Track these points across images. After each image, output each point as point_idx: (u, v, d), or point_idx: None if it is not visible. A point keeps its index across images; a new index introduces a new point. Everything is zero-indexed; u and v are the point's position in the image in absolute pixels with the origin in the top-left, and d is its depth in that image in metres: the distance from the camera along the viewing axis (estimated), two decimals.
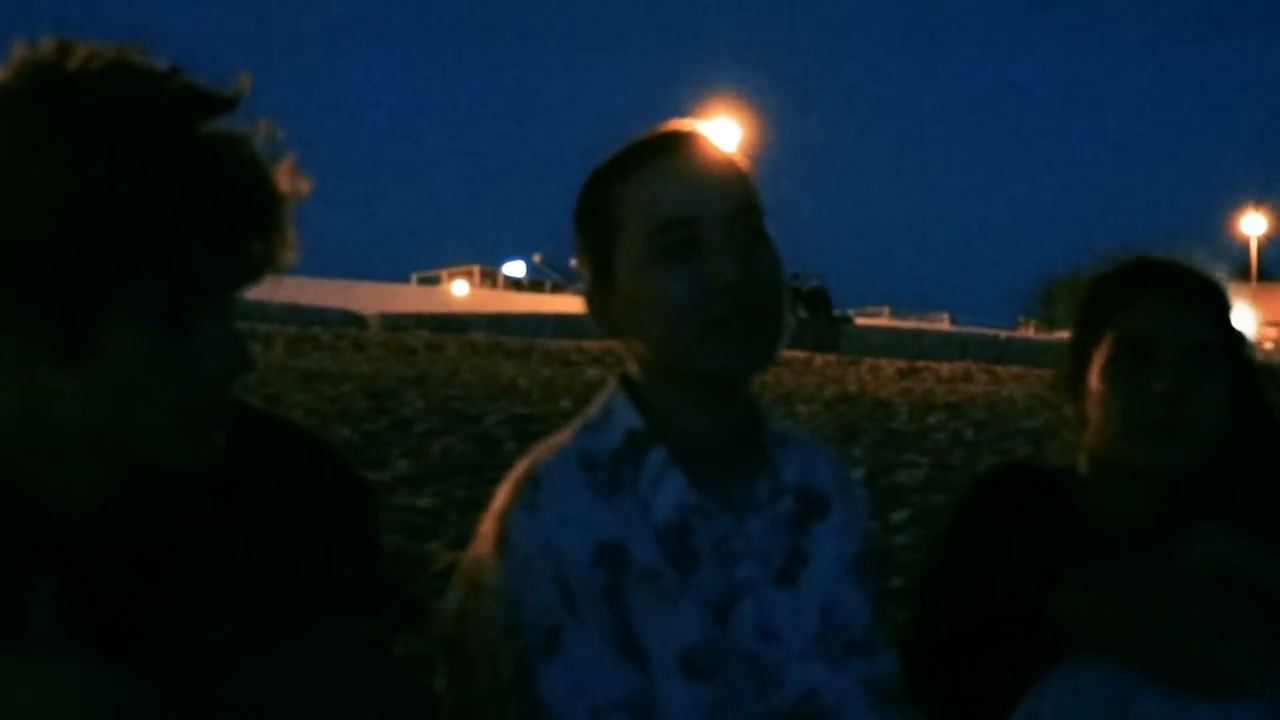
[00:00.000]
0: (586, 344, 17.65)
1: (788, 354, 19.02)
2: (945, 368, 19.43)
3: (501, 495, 1.39)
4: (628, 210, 1.38)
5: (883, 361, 20.10)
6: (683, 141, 1.40)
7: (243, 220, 1.04)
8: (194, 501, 1.12)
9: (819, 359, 19.32)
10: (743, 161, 1.42)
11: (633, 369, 1.45)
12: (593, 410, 1.44)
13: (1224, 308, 1.65)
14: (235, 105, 1.06)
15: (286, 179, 1.07)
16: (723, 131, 1.46)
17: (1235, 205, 58.66)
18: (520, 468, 1.40)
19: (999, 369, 18.50)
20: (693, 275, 1.35)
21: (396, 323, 21.47)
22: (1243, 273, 56.36)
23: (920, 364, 20.01)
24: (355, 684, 1.08)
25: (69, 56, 1.03)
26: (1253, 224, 55.57)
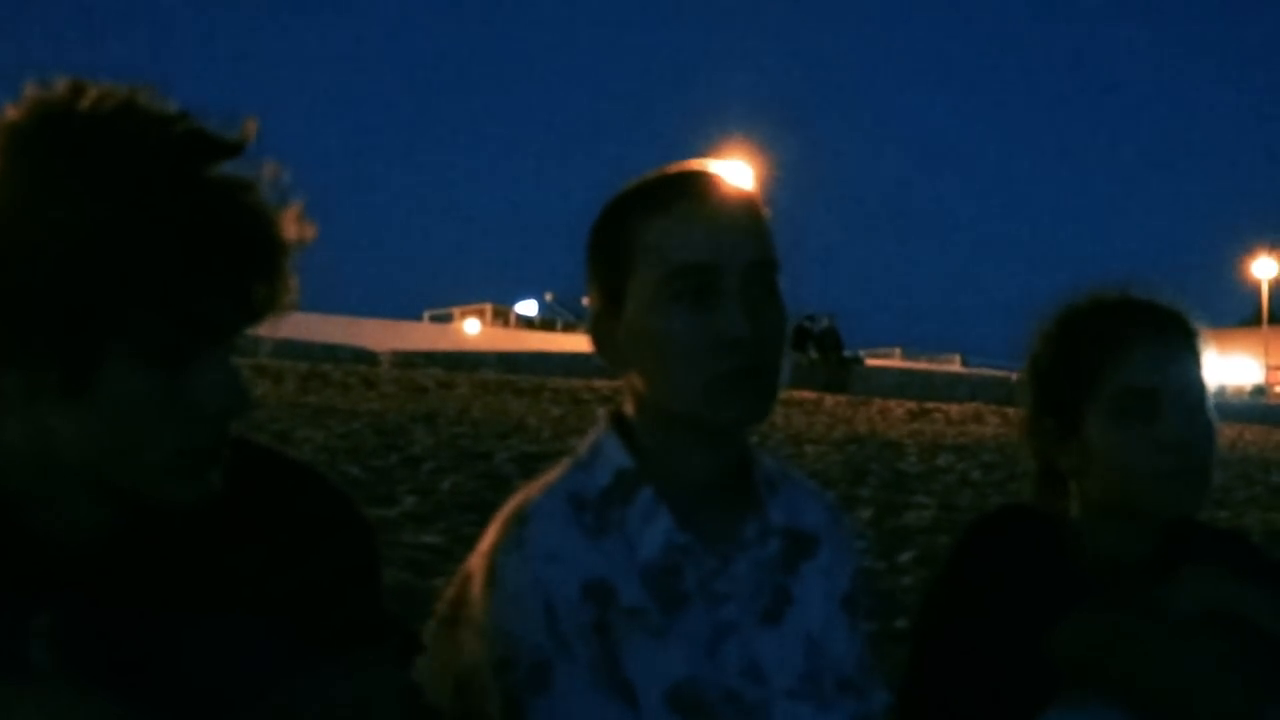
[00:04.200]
0: (597, 383, 17.67)
1: (798, 395, 19.07)
2: (955, 409, 19.41)
3: (490, 534, 1.39)
4: (647, 248, 1.37)
5: (892, 403, 20.10)
6: (710, 185, 1.39)
7: (245, 264, 1.05)
8: (195, 537, 1.12)
9: (829, 400, 19.32)
10: (765, 213, 1.42)
11: (628, 407, 1.45)
12: (582, 449, 1.45)
13: (1200, 344, 1.65)
14: (242, 150, 1.07)
15: (292, 225, 1.08)
16: (739, 174, 1.44)
17: (1247, 249, 58.66)
18: (509, 506, 1.40)
19: (1009, 410, 18.43)
20: (704, 323, 1.34)
21: (408, 360, 21.52)
22: (1254, 316, 56.26)
23: (930, 405, 19.99)
24: (358, 717, 1.07)
25: (79, 98, 1.04)
26: (1264, 268, 55.51)
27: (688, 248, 1.36)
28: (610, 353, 1.42)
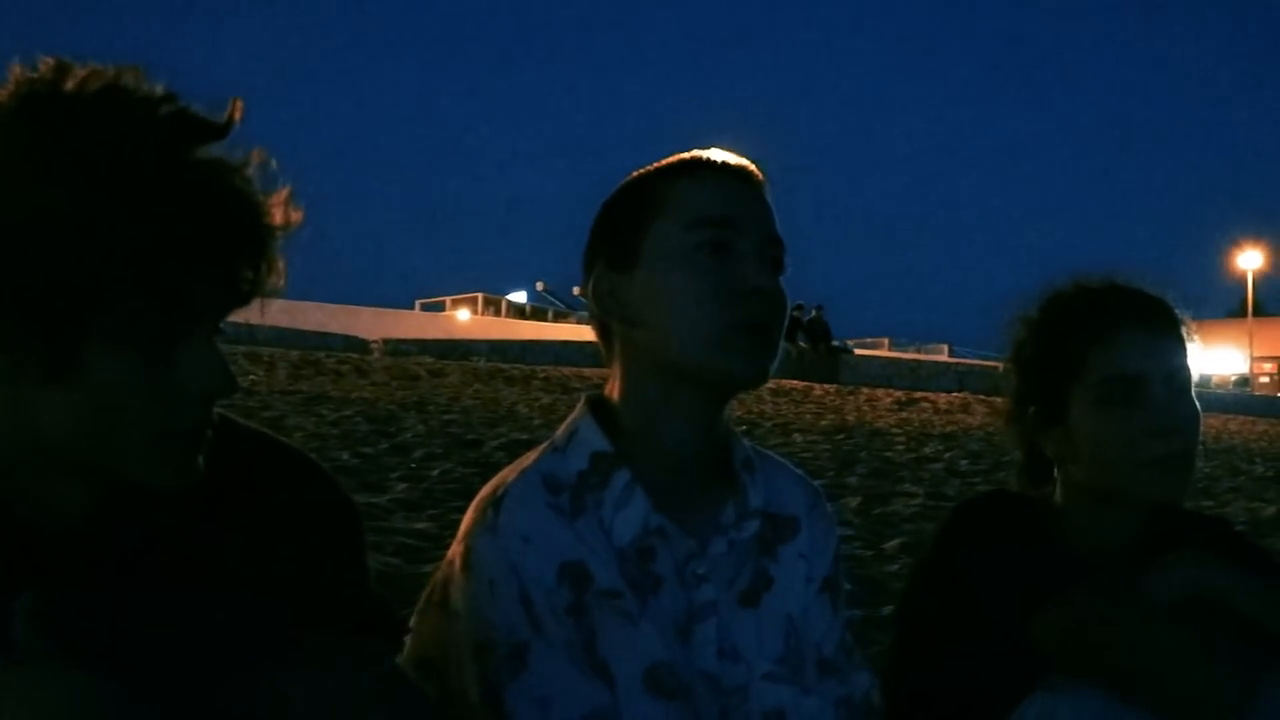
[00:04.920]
0: (586, 371, 17.68)
1: (786, 383, 19.06)
2: (943, 399, 19.43)
3: (467, 519, 1.40)
4: (671, 200, 1.41)
5: (880, 392, 20.11)
6: (731, 163, 1.45)
7: (230, 246, 1.05)
8: (181, 519, 1.12)
9: (818, 389, 19.32)
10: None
11: (611, 389, 1.47)
12: (559, 433, 1.46)
13: (1183, 330, 1.67)
14: (228, 132, 1.07)
15: (279, 208, 1.08)
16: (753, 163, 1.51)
17: (1232, 242, 58.71)
18: (485, 491, 1.41)
19: (996, 400, 18.43)
20: (723, 275, 1.38)
21: (399, 348, 21.49)
22: (1240, 308, 56.41)
23: (918, 394, 20.03)
24: (346, 699, 1.08)
25: (64, 78, 1.04)
26: (1249, 260, 55.55)
27: (713, 202, 1.41)
28: (618, 307, 1.43)
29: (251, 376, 12.53)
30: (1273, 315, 61.26)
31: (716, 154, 1.46)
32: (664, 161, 1.47)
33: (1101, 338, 1.62)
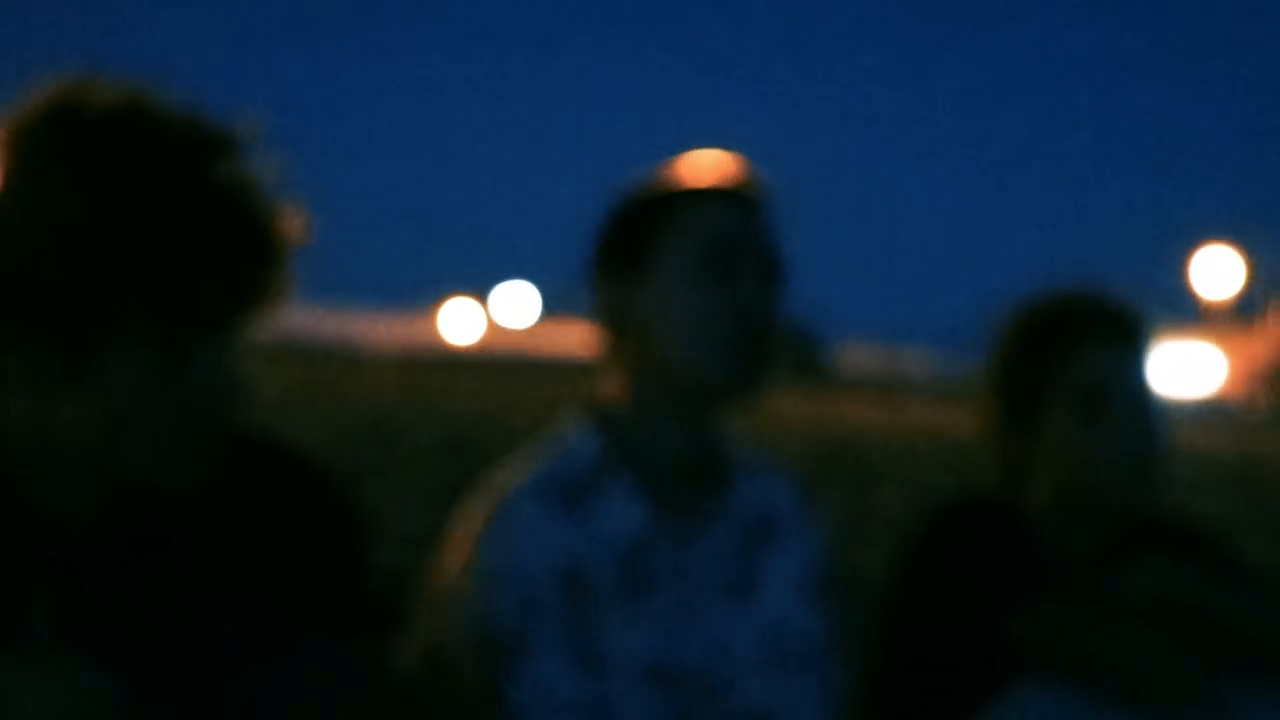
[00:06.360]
0: (580, 374, 17.60)
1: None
2: (925, 400, 19.40)
3: (466, 517, 1.43)
4: (682, 217, 1.44)
5: (863, 392, 20.07)
6: (742, 180, 1.48)
7: (245, 258, 1.09)
8: (188, 517, 1.14)
9: (800, 389, 19.31)
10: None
11: (609, 392, 1.50)
12: (557, 434, 1.49)
13: (1152, 338, 1.68)
14: (243, 149, 1.10)
15: (290, 220, 1.12)
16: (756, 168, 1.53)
17: (1204, 248, 58.14)
18: (484, 490, 1.44)
19: (977, 403, 18.33)
20: (729, 297, 1.42)
21: (398, 349, 21.33)
22: (1211, 316, 55.96)
23: (901, 396, 19.99)
24: (350, 697, 1.09)
25: (86, 94, 1.07)
26: (1224, 267, 55.14)
27: (723, 221, 1.45)
28: (620, 320, 1.46)
29: (249, 377, 12.51)
30: (1247, 324, 61.02)
31: (725, 167, 1.48)
32: (673, 171, 1.48)
33: (1070, 348, 1.63)
